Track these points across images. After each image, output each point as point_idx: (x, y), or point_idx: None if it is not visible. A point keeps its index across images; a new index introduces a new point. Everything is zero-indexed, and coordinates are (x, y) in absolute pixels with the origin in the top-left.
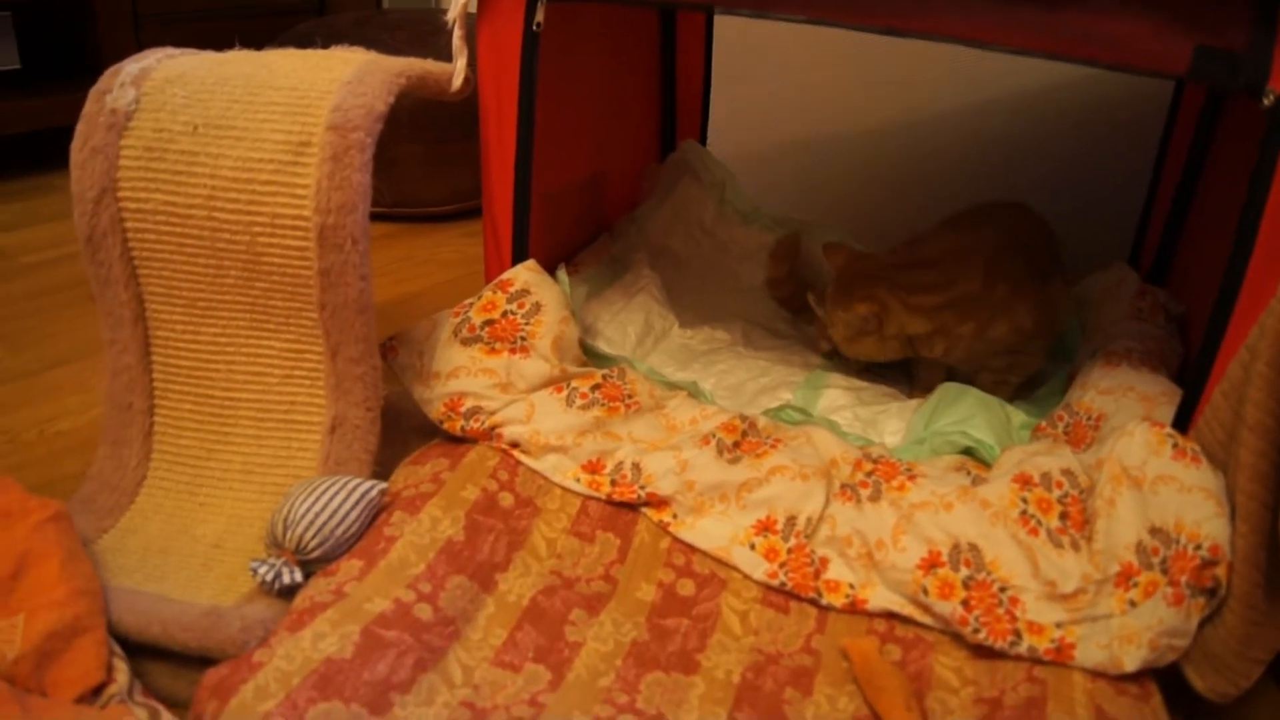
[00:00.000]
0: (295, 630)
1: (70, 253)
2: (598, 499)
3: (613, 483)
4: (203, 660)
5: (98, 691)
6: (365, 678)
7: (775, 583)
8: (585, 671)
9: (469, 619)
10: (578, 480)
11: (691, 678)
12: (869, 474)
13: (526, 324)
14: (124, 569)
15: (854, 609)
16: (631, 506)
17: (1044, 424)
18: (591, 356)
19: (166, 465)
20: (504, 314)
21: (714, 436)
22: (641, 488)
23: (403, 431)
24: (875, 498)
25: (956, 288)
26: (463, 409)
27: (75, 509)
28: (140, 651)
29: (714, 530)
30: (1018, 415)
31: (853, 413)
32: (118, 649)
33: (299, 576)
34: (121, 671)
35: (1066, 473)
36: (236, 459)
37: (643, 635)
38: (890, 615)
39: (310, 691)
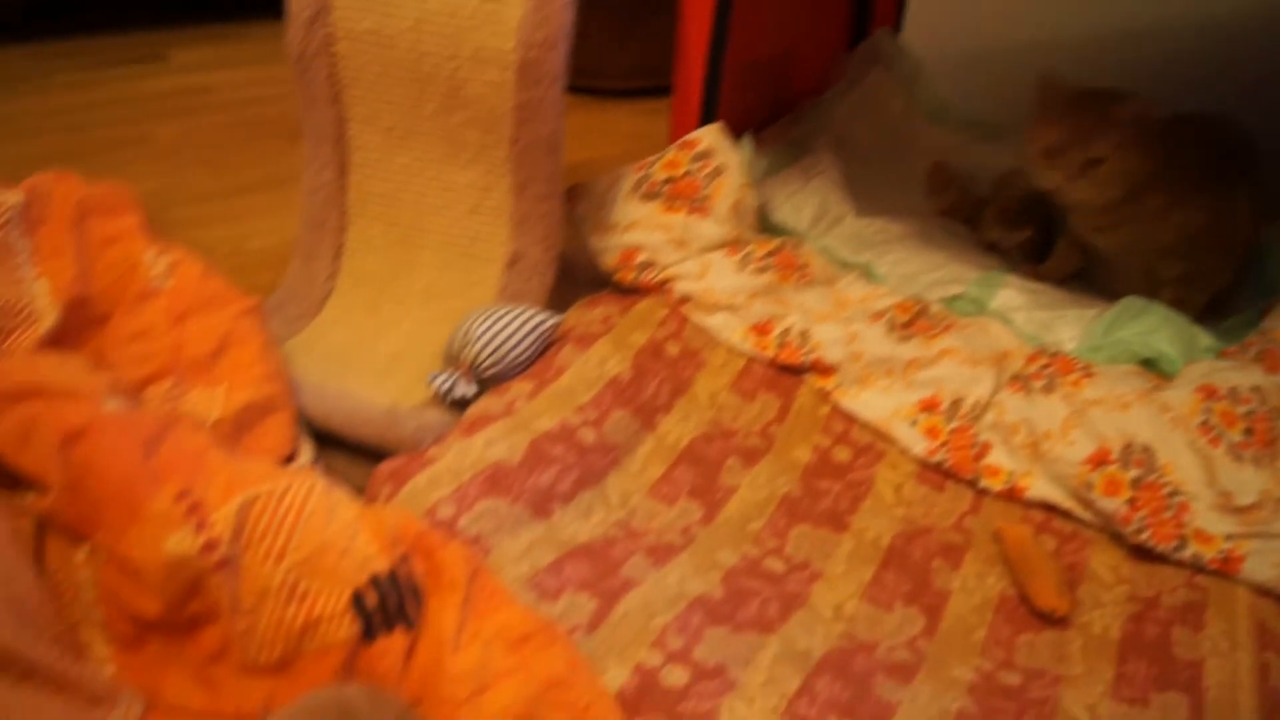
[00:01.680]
0: (467, 434)
1: (267, 94)
2: (762, 360)
3: (779, 346)
4: (377, 454)
5: (285, 463)
6: (529, 484)
7: (933, 460)
8: (737, 514)
9: (629, 451)
10: (744, 340)
11: (840, 535)
12: (1044, 367)
13: (708, 185)
14: (309, 368)
15: (1011, 496)
16: (795, 371)
17: (1233, 349)
18: (766, 229)
19: (352, 283)
20: (686, 173)
21: (886, 313)
22: (808, 353)
23: (573, 284)
24: (1048, 390)
25: (1147, 160)
26: (636, 261)
27: (266, 313)
28: (321, 440)
29: (876, 403)
30: (1204, 338)
31: (1028, 315)
32: (304, 432)
33: (472, 390)
34: (306, 449)
35: (1256, 390)
36: (418, 284)
37: (795, 491)
38: (1048, 507)
39: (479, 487)
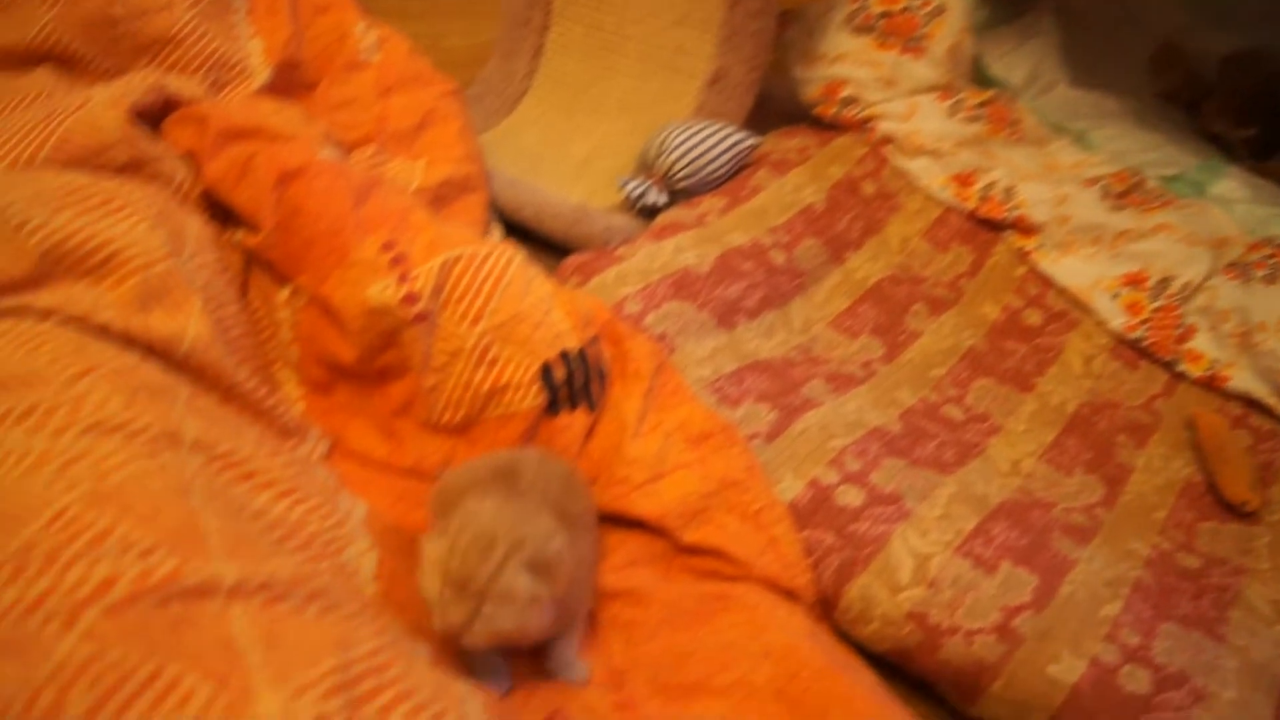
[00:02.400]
0: (657, 239)
1: None
2: (961, 211)
3: (981, 199)
4: (561, 249)
5: None
6: (717, 294)
7: (1131, 336)
8: (919, 357)
9: (815, 280)
10: (944, 189)
11: (1024, 395)
12: (1267, 258)
13: (926, 24)
14: (501, 161)
15: (1210, 384)
16: (994, 227)
17: None
18: (977, 81)
19: (550, 85)
20: (904, 8)
21: (1100, 181)
22: (1011, 210)
23: (765, 114)
24: (1270, 280)
25: None
26: (840, 95)
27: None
28: (508, 232)
29: (1078, 269)
30: None
31: (1248, 208)
32: (493, 218)
33: (663, 199)
34: (497, 233)
35: None
36: (615, 92)
37: (980, 346)
38: (1249, 402)
39: (667, 289)
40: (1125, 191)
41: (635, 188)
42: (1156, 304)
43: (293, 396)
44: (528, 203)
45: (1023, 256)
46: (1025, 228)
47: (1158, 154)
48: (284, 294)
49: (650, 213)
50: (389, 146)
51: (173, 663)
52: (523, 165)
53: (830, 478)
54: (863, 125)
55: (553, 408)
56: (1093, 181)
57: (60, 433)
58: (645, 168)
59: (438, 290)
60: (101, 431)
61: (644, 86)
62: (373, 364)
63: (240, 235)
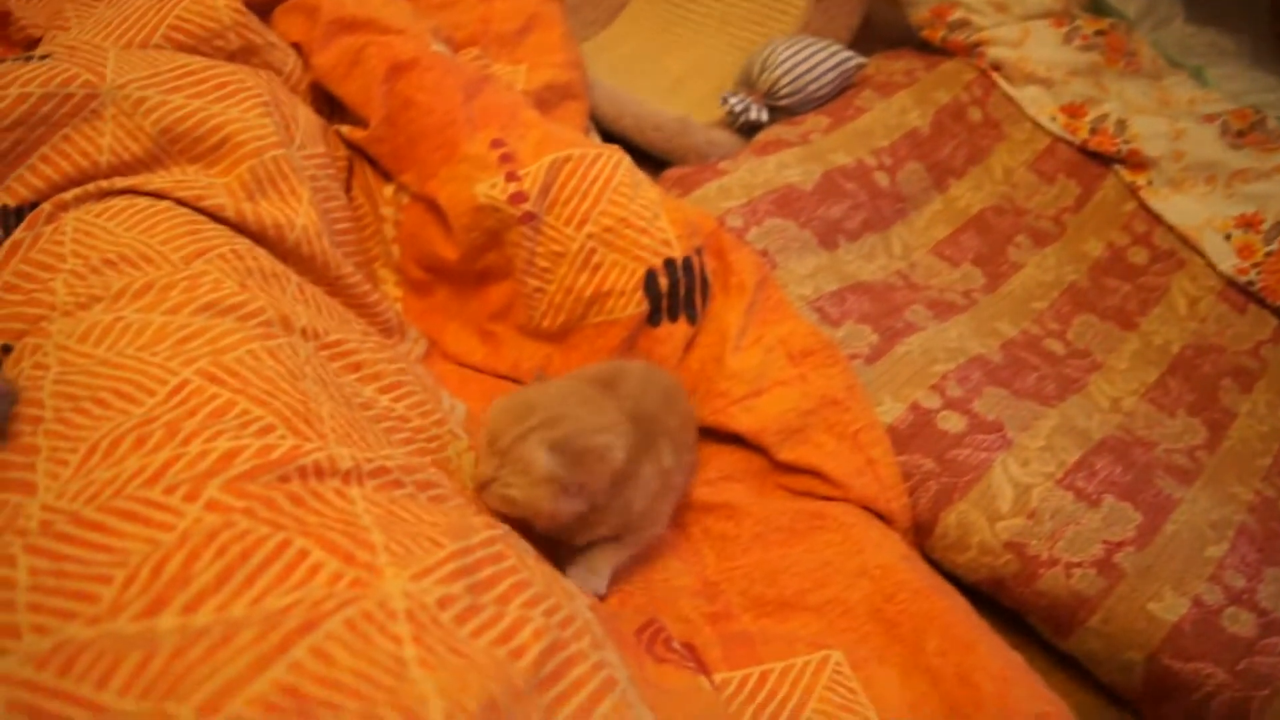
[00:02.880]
0: (760, 154)
1: None
2: (1069, 142)
3: (1092, 131)
4: (658, 162)
5: None
6: (819, 212)
7: (1241, 280)
8: (1020, 289)
9: (916, 205)
10: (1054, 119)
11: (1126, 333)
12: None
13: None
14: (599, 73)
15: None
16: (1104, 160)
17: None
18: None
19: None
20: None
21: (1220, 118)
22: (1124, 144)
23: (869, 37)
24: None
25: None
26: (950, 19)
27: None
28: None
29: (1190, 209)
30: None
31: None
32: (592, 127)
33: (764, 116)
34: (595, 137)
35: None
36: (716, 7)
37: (1082, 281)
38: None
39: (770, 205)
40: (1245, 130)
41: (737, 103)
42: (1271, 248)
43: (391, 296)
44: (628, 113)
45: (1132, 192)
46: (1136, 162)
47: (1276, 95)
48: (388, 191)
49: (750, 129)
50: (491, 49)
51: (299, 536)
52: (618, 79)
53: (932, 402)
54: (971, 50)
55: (654, 317)
56: (1211, 118)
57: (176, 310)
58: (747, 84)
59: (545, 190)
60: (216, 311)
61: (746, 2)
62: (474, 265)
63: (346, 129)
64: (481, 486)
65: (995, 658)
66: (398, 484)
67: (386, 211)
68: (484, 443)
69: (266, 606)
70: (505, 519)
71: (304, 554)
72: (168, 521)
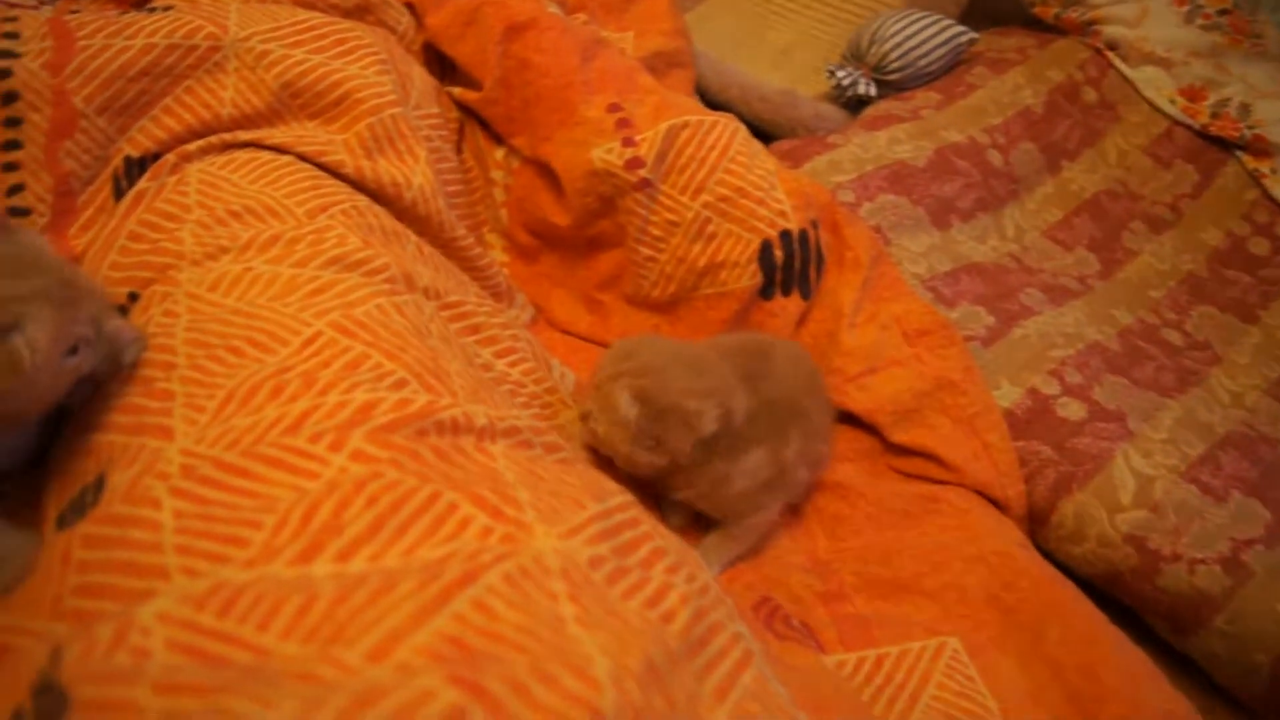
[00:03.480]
0: (870, 129)
1: None
2: (1189, 126)
3: (1213, 115)
4: (762, 135)
5: None
6: (932, 190)
7: None
8: (1136, 277)
9: (1029, 187)
10: (1172, 102)
11: (1248, 326)
12: None
13: None
14: (700, 45)
15: None
16: (1225, 146)
17: None
18: None
19: None
20: None
21: None
22: (1248, 129)
23: (975, 18)
24: None
25: None
26: None
27: None
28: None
29: None
30: None
31: None
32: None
33: (872, 91)
34: None
35: None
36: None
37: (1200, 271)
38: None
39: (881, 180)
40: None
41: (845, 76)
42: None
43: (500, 262)
44: (733, 83)
45: (1255, 180)
46: (1260, 149)
47: None
48: (499, 154)
49: (856, 104)
50: (599, 16)
51: (448, 489)
52: (720, 50)
53: (1050, 388)
54: (1085, 28)
55: (767, 290)
56: None
57: (303, 264)
58: (855, 57)
59: (661, 157)
60: (342, 266)
61: None
62: (585, 231)
63: (458, 91)
64: (582, 418)
65: (1120, 652)
66: (528, 444)
67: (496, 175)
68: (590, 383)
69: (420, 557)
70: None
71: (454, 507)
72: (313, 470)
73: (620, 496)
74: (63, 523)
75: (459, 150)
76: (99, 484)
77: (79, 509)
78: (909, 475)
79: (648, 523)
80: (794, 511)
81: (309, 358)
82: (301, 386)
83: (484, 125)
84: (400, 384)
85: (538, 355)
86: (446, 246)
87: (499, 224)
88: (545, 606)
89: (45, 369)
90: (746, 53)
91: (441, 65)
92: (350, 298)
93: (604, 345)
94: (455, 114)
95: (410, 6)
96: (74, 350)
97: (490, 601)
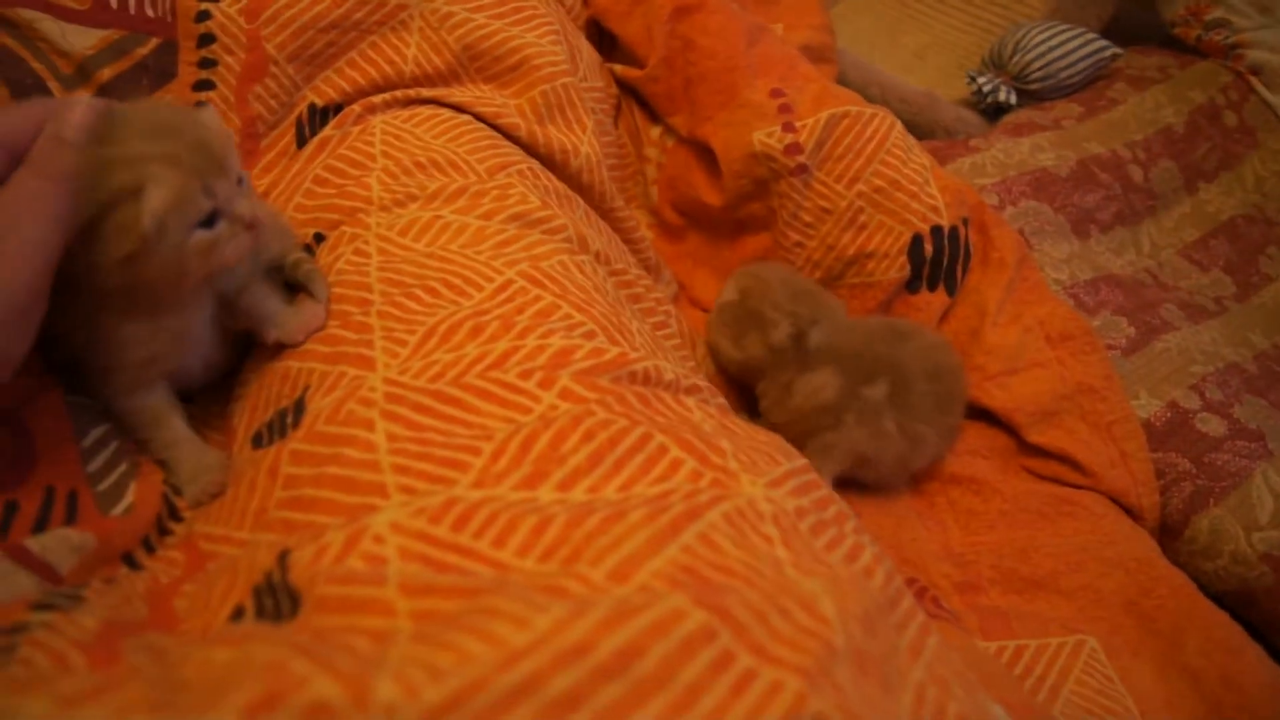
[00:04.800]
0: (1013, 136)
1: None
2: None
3: None
4: None
5: None
6: (1074, 200)
7: None
8: (1272, 302)
9: (1166, 204)
10: None
11: None
12: None
13: None
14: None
15: None
16: None
17: None
18: None
19: None
20: None
21: None
22: None
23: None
24: None
25: None
26: (1207, 18)
27: None
28: None
29: None
30: None
31: None
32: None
33: (1013, 99)
34: None
35: None
36: None
37: None
38: None
39: (1024, 186)
40: None
41: (986, 83)
42: None
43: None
44: (874, 82)
45: None
46: None
47: None
48: (654, 132)
49: (995, 111)
50: (749, 6)
51: (658, 432)
52: (855, 51)
53: (1191, 403)
54: (1228, 52)
55: (913, 284)
56: None
57: (489, 216)
58: (996, 64)
59: (820, 144)
60: (525, 222)
61: None
62: (736, 213)
63: (619, 68)
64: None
65: (1264, 666)
66: (707, 402)
67: (650, 153)
68: None
69: (638, 493)
70: None
71: (664, 449)
72: (525, 404)
73: (800, 459)
74: (259, 441)
75: (616, 126)
76: (298, 406)
77: (279, 429)
78: (1043, 477)
79: (826, 486)
80: (928, 501)
81: (503, 303)
82: (500, 328)
83: (641, 103)
84: (590, 334)
85: (683, 332)
86: (606, 216)
87: (648, 201)
88: (763, 549)
89: (169, 237)
90: (881, 54)
91: (600, 42)
92: (536, 251)
93: None
94: (615, 90)
95: None
96: (210, 223)
97: (715, 537)
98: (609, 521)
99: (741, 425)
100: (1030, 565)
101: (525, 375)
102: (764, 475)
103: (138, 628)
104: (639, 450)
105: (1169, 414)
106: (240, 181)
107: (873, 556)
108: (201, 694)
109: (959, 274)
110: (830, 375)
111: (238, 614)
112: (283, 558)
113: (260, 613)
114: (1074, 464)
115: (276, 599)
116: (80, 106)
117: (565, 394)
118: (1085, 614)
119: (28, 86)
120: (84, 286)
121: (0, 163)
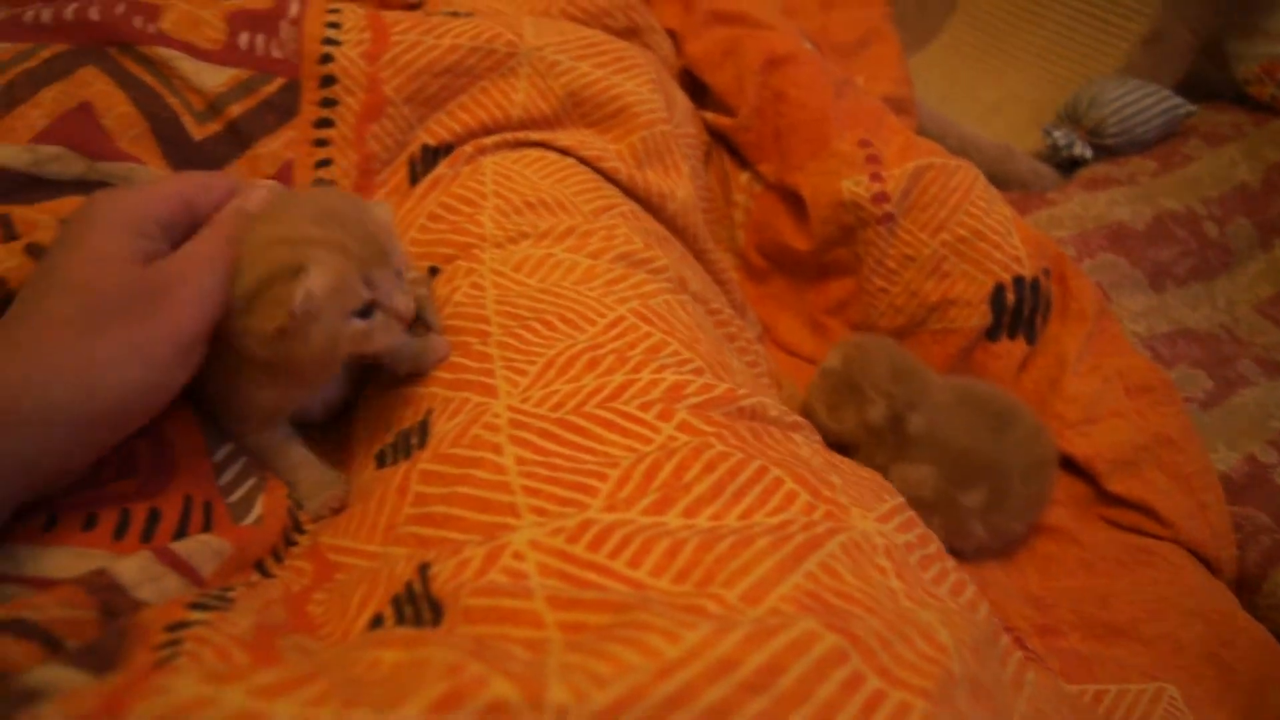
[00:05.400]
0: (1089, 189)
1: None
2: None
3: None
4: None
5: None
6: (1150, 254)
7: None
8: None
9: (1241, 261)
10: None
11: None
12: None
13: None
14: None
15: None
16: None
17: None
18: None
19: (966, 25)
20: None
21: None
22: None
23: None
24: None
25: None
26: (1279, 76)
27: None
28: None
29: None
30: None
31: None
32: None
33: (1088, 153)
34: None
35: None
36: (1036, 40)
37: None
38: None
39: (1102, 239)
40: None
41: (1062, 137)
42: None
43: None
44: (951, 134)
45: None
46: None
47: None
48: (743, 178)
49: (1069, 165)
50: (830, 59)
51: (773, 466)
52: (930, 104)
53: (1269, 457)
54: None
55: (994, 332)
56: None
57: (597, 255)
58: (1071, 119)
59: (906, 194)
60: (631, 262)
61: (1068, 38)
62: (821, 258)
63: (710, 115)
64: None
65: None
66: (810, 440)
67: (738, 198)
68: None
69: (759, 523)
70: None
71: (779, 481)
72: (646, 435)
73: (899, 497)
74: (383, 460)
75: (705, 171)
76: (423, 429)
77: (403, 449)
78: (1120, 526)
79: (921, 525)
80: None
81: (615, 338)
82: (616, 362)
83: (730, 150)
84: (699, 370)
85: (771, 372)
86: (699, 258)
87: (734, 244)
88: (879, 579)
89: (324, 319)
90: (956, 108)
91: (691, 90)
92: (644, 290)
93: None
94: (705, 136)
95: (671, 33)
96: (366, 313)
97: (835, 566)
98: (738, 547)
99: (845, 461)
100: (1110, 612)
101: (645, 407)
102: (873, 510)
103: (283, 630)
104: (756, 482)
105: (1247, 467)
106: (399, 274)
107: (974, 592)
108: (386, 690)
109: (1038, 323)
110: (929, 474)
111: (376, 621)
112: (423, 570)
113: (400, 620)
114: (1153, 514)
115: (417, 608)
116: (264, 189)
117: (683, 426)
118: (1165, 662)
119: (164, 120)
120: (226, 349)
121: (182, 215)
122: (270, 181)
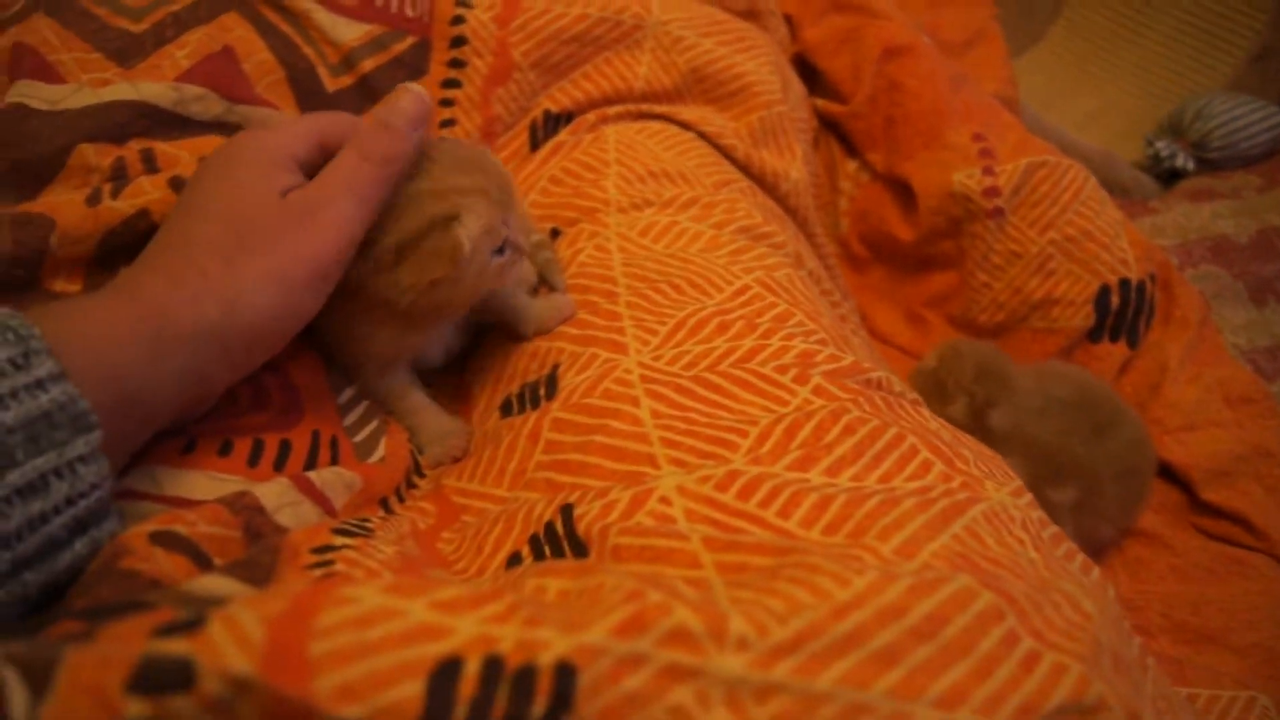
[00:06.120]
0: (1193, 201)
1: None
2: None
3: None
4: None
5: None
6: (1253, 268)
7: None
8: None
9: None
10: None
11: None
12: None
13: None
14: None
15: None
16: None
17: None
18: None
19: (1068, 33)
20: None
21: None
22: None
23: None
24: None
25: None
26: None
27: None
28: None
29: None
30: None
31: None
32: None
33: (1190, 165)
34: None
35: None
36: (1139, 52)
37: None
38: None
39: (1204, 250)
40: None
41: (1164, 148)
42: None
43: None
44: (1052, 138)
45: None
46: None
47: None
48: (851, 166)
49: (1170, 176)
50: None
51: (909, 433)
52: (1030, 107)
53: None
54: None
55: (1096, 334)
56: None
57: (721, 226)
58: (1175, 131)
59: (1017, 190)
60: (752, 236)
61: (1173, 52)
62: (926, 248)
63: (821, 103)
64: None
65: None
66: (935, 416)
67: (844, 185)
68: None
69: (900, 487)
70: None
71: (915, 449)
72: (782, 396)
73: (1019, 478)
74: (508, 409)
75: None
76: (551, 381)
77: (531, 399)
78: (1213, 536)
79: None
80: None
81: (742, 305)
82: (745, 328)
83: (839, 137)
84: (823, 342)
85: (874, 357)
86: (808, 240)
87: (837, 232)
88: (1019, 549)
89: (475, 261)
90: (1055, 113)
91: (802, 77)
92: (766, 262)
93: (919, 359)
94: (815, 122)
95: (788, 18)
96: (500, 250)
97: (979, 531)
98: (886, 505)
99: (969, 438)
100: (1201, 618)
101: (781, 370)
102: (1004, 485)
103: (421, 563)
104: (894, 448)
105: None
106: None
107: (1100, 573)
108: (568, 613)
109: (1141, 328)
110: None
111: (514, 560)
112: (565, 510)
113: (540, 560)
114: (1247, 525)
115: (558, 548)
116: (409, 94)
117: (819, 391)
118: (1258, 672)
119: (300, 70)
120: (346, 296)
121: (317, 154)
122: (414, 85)
